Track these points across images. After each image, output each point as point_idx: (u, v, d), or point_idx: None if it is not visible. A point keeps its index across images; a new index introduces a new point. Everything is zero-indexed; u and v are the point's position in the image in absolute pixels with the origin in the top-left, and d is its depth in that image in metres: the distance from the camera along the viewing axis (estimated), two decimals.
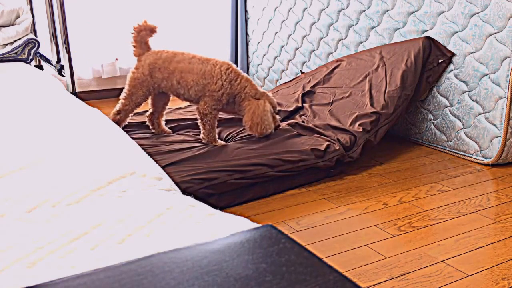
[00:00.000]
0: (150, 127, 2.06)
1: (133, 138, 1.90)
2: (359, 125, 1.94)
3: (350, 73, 2.32)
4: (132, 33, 1.90)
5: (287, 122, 2.06)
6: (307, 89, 2.38)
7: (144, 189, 0.89)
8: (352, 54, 2.45)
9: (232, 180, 1.59)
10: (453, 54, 2.04)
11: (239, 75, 1.89)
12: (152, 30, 1.91)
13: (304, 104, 2.28)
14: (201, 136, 1.92)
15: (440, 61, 2.07)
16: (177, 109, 2.43)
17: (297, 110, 2.27)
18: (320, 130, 2.00)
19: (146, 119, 2.06)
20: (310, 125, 2.05)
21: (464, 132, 2.04)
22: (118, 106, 1.94)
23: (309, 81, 2.47)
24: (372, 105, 2.03)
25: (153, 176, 0.96)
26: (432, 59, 2.09)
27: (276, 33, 3.12)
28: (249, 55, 3.46)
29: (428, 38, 2.11)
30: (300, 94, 2.34)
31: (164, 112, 2.06)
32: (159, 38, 3.29)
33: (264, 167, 1.67)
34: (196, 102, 1.92)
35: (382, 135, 1.97)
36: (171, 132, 2.07)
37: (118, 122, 1.93)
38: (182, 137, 1.98)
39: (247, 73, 3.51)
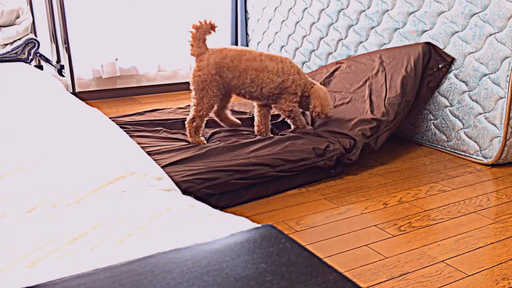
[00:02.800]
0: (219, 122, 2.05)
1: (133, 138, 1.90)
2: (359, 130, 1.94)
3: (350, 76, 2.32)
4: (191, 32, 1.84)
5: (289, 131, 2.04)
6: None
7: (144, 189, 0.89)
8: (352, 57, 2.45)
9: (233, 180, 1.59)
10: (453, 59, 2.04)
11: (299, 68, 1.98)
12: (211, 28, 1.84)
13: None
14: (292, 128, 2.02)
15: (440, 66, 2.06)
16: (178, 109, 2.43)
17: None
18: (321, 134, 2.00)
19: (214, 115, 2.03)
20: (311, 131, 2.05)
21: (464, 132, 2.04)
22: (191, 114, 1.88)
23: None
24: (372, 111, 2.03)
25: (153, 176, 0.96)
26: (432, 64, 2.09)
27: (276, 33, 3.12)
28: None
29: (428, 43, 2.11)
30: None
31: (229, 105, 2.07)
32: (159, 38, 3.29)
33: (265, 167, 1.67)
34: (265, 100, 1.96)
35: (383, 142, 1.95)
36: (240, 123, 2.08)
37: (196, 130, 1.88)
38: (182, 137, 1.98)
39: None
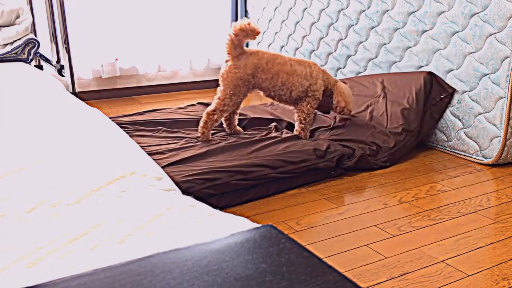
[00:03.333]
0: (225, 126, 2.06)
1: (133, 138, 1.90)
2: (359, 146, 1.93)
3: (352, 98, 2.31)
4: (231, 34, 1.87)
5: (290, 134, 2.04)
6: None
7: (144, 189, 0.89)
8: (353, 78, 2.45)
9: (234, 181, 1.59)
10: (454, 90, 2.05)
11: (323, 70, 2.06)
12: (254, 33, 1.85)
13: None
14: (297, 131, 2.02)
15: (442, 96, 2.07)
16: (178, 109, 2.43)
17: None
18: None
19: (223, 118, 2.03)
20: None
21: (464, 132, 2.04)
22: (213, 106, 1.90)
23: None
24: (372, 135, 2.03)
25: (153, 176, 0.96)
26: (434, 94, 2.09)
27: (276, 33, 3.12)
28: None
29: (430, 73, 2.12)
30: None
31: (238, 111, 2.13)
32: (159, 38, 3.29)
33: (266, 168, 1.67)
34: (292, 103, 2.04)
35: (382, 166, 1.94)
36: (242, 131, 2.10)
37: (212, 123, 1.90)
38: (183, 134, 1.98)
39: None
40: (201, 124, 1.91)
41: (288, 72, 1.94)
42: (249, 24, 1.83)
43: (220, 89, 1.92)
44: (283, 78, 1.94)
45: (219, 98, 1.90)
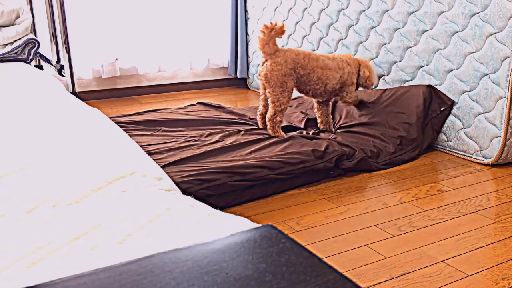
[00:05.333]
0: (260, 124, 2.15)
1: (133, 138, 1.90)
2: (361, 148, 1.94)
3: (354, 111, 2.31)
4: (262, 31, 1.97)
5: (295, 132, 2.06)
6: (310, 115, 2.39)
7: (144, 189, 0.89)
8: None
9: (232, 181, 1.59)
10: (453, 102, 2.05)
11: (348, 56, 2.17)
12: (281, 31, 1.98)
13: (308, 129, 2.28)
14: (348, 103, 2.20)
15: (442, 109, 2.08)
16: (178, 109, 2.43)
17: (301, 129, 2.25)
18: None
19: (257, 116, 2.16)
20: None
21: (464, 132, 2.04)
22: (271, 110, 2.02)
23: (312, 106, 2.46)
24: (373, 141, 2.03)
25: (153, 176, 0.96)
26: (434, 107, 2.10)
27: None
28: (249, 55, 3.46)
29: (429, 86, 2.12)
30: (305, 119, 2.32)
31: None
32: (159, 38, 3.29)
33: (264, 170, 1.66)
34: (327, 96, 2.16)
35: (382, 169, 1.94)
36: (333, 131, 2.21)
37: (278, 124, 2.03)
38: (182, 135, 1.98)
39: (247, 73, 3.51)
40: (269, 131, 2.04)
41: (321, 66, 2.07)
42: (276, 22, 1.97)
43: (268, 91, 2.02)
44: (318, 73, 2.06)
45: (273, 102, 2.01)
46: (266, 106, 2.13)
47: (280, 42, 3.10)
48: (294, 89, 2.09)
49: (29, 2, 2.77)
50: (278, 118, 2.02)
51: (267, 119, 2.04)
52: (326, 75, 2.08)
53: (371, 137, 2.07)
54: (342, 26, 2.59)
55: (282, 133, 2.05)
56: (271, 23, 1.96)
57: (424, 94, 2.10)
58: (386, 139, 2.04)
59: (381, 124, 2.13)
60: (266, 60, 2.01)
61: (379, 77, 2.38)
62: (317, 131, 2.17)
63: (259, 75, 2.04)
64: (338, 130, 2.21)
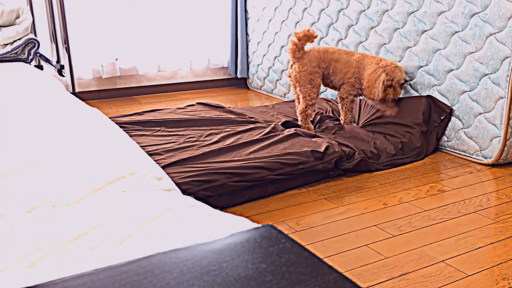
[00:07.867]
0: (300, 120, 2.25)
1: (133, 138, 1.90)
2: (361, 148, 1.93)
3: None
4: (293, 40, 2.16)
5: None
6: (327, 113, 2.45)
7: (144, 189, 0.89)
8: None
9: (231, 182, 1.58)
10: (451, 110, 2.06)
11: (361, 54, 2.25)
12: (311, 37, 2.15)
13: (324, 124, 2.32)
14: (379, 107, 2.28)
15: (442, 118, 2.09)
16: (177, 109, 2.43)
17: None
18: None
19: (298, 113, 2.26)
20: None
21: (464, 132, 2.04)
22: (302, 104, 2.20)
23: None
24: (374, 144, 2.03)
25: (153, 176, 0.96)
26: (434, 117, 2.11)
27: (276, 33, 3.12)
28: (249, 55, 3.46)
29: (428, 97, 2.12)
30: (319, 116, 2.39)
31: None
32: (159, 38, 3.28)
33: (263, 170, 1.66)
34: (348, 88, 2.26)
35: (382, 169, 1.94)
36: (357, 126, 2.28)
37: (308, 116, 2.21)
38: (182, 136, 1.98)
39: (247, 73, 3.51)
40: (301, 123, 2.22)
41: (336, 59, 2.24)
42: (308, 30, 2.14)
43: (298, 89, 2.22)
44: (332, 65, 2.24)
45: (304, 97, 2.20)
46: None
47: (279, 41, 3.10)
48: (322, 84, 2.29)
49: (29, 2, 2.77)
50: (309, 111, 2.21)
51: (298, 112, 2.22)
52: (336, 67, 2.24)
53: (372, 139, 2.07)
54: (342, 26, 2.59)
55: (311, 126, 2.22)
56: (303, 31, 2.12)
57: (424, 105, 2.11)
58: (387, 141, 2.05)
59: (382, 134, 2.14)
60: (294, 63, 2.22)
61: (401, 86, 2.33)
62: (338, 124, 2.28)
63: (289, 76, 2.26)
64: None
